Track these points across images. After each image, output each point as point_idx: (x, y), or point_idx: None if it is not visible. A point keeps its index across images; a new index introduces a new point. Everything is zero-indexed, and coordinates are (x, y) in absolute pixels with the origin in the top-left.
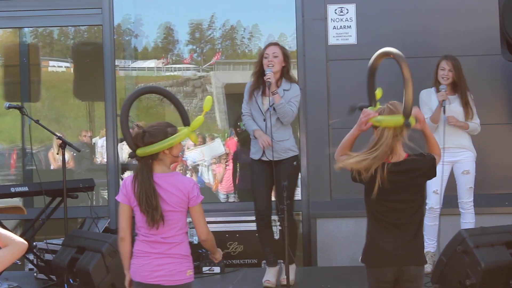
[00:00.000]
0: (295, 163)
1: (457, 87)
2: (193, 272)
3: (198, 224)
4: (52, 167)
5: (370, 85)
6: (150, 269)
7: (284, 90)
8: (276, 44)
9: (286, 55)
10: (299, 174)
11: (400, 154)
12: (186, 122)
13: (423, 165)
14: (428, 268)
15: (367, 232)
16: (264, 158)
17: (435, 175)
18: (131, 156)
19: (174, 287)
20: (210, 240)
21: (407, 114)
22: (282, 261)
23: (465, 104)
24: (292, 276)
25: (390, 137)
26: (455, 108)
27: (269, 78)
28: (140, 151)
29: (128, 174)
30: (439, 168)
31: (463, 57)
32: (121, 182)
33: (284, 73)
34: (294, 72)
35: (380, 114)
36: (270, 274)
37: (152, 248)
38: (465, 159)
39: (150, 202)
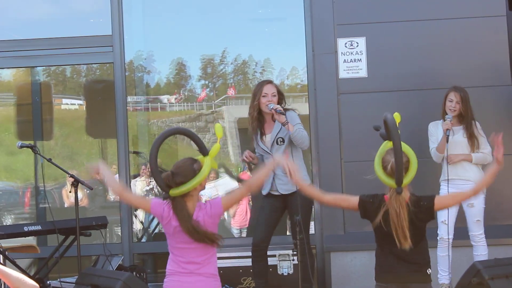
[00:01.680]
0: None
1: (464, 118)
2: None
3: (236, 194)
4: (66, 205)
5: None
6: (180, 285)
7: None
8: (271, 82)
9: (281, 93)
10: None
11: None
12: (204, 151)
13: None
14: None
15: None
16: (273, 193)
17: (432, 218)
18: (165, 198)
19: None
20: (255, 183)
21: (398, 183)
22: None
23: (470, 136)
24: None
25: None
26: (458, 139)
27: (279, 110)
28: (173, 192)
29: (141, 211)
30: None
31: (474, 88)
32: (134, 219)
33: None
34: (305, 106)
35: (384, 166)
36: None
37: (182, 268)
38: None
39: (200, 233)
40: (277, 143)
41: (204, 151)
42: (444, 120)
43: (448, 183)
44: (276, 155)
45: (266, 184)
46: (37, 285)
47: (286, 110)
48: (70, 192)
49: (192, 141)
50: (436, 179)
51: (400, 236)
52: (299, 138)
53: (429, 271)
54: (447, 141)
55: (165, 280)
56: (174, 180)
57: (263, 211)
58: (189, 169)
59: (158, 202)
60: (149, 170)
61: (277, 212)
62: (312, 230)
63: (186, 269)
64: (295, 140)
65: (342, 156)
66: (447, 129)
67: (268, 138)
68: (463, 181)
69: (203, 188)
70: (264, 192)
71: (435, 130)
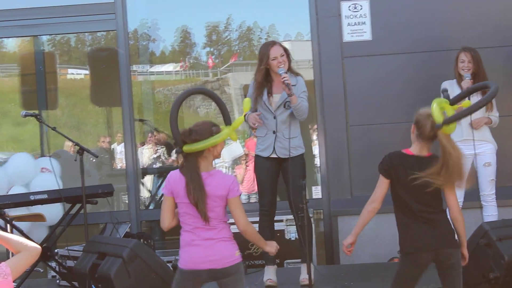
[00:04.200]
0: (303, 158)
1: (477, 79)
2: (240, 253)
3: (236, 215)
4: None
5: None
6: (202, 255)
7: (292, 85)
8: (276, 43)
9: (287, 52)
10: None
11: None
12: (228, 121)
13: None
14: None
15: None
16: (273, 156)
17: None
18: (177, 152)
19: (226, 269)
20: (249, 232)
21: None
22: (300, 260)
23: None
24: (305, 275)
25: None
26: (476, 100)
27: (287, 80)
28: (186, 148)
29: (148, 178)
30: None
31: (480, 49)
32: (141, 186)
33: (289, 69)
34: (310, 71)
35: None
36: (270, 273)
37: (199, 236)
38: (486, 151)
39: (200, 198)
40: (284, 107)
41: (227, 120)
42: (462, 80)
43: (474, 144)
44: (280, 117)
45: (266, 146)
46: (39, 247)
47: (296, 74)
48: (75, 160)
49: (219, 108)
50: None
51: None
52: (299, 111)
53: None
54: (469, 99)
55: (180, 251)
56: (190, 137)
57: (265, 174)
58: (207, 129)
59: (165, 188)
60: (170, 125)
61: (275, 173)
62: (319, 195)
63: (202, 237)
64: (295, 111)
65: (347, 120)
66: (468, 87)
67: (277, 98)
68: (479, 141)
69: (218, 155)
70: (265, 155)
71: (451, 90)
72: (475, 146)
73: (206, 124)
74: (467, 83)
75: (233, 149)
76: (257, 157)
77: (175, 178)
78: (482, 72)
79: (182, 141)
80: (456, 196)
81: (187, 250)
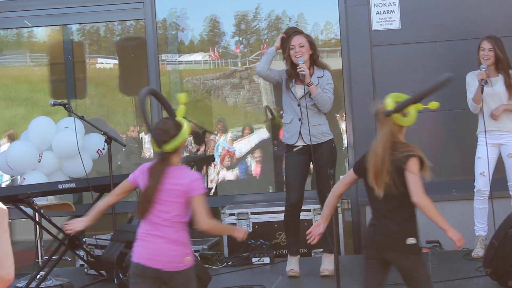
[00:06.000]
0: (333, 144)
1: (499, 67)
2: (192, 259)
3: (197, 214)
4: None
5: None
6: (150, 252)
7: (318, 77)
8: (300, 32)
9: (311, 43)
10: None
11: None
12: (173, 113)
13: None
14: (479, 252)
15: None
16: (300, 143)
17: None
18: (162, 155)
19: (171, 273)
20: (213, 229)
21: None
22: (322, 249)
23: (508, 85)
24: (332, 266)
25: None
26: (498, 89)
27: (302, 70)
28: (168, 146)
29: None
30: (483, 149)
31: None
32: None
33: (314, 61)
34: (338, 60)
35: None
36: (293, 263)
37: (151, 230)
38: (509, 142)
39: (149, 196)
40: (310, 96)
41: (172, 113)
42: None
43: (485, 135)
44: (304, 105)
45: (292, 134)
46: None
47: (324, 67)
48: (103, 149)
49: (162, 105)
50: (472, 131)
51: (375, 169)
52: (319, 101)
53: (410, 240)
54: (482, 92)
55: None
56: (169, 134)
57: (293, 168)
58: (176, 124)
59: (133, 175)
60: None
61: (305, 167)
62: None
63: (153, 233)
64: (316, 102)
65: None
66: (481, 80)
67: (301, 89)
68: (501, 132)
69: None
70: (291, 142)
71: (473, 81)
72: (498, 136)
73: (169, 120)
74: (480, 74)
75: (260, 134)
76: (286, 146)
77: (143, 169)
78: (505, 60)
79: (163, 141)
80: (415, 180)
81: (138, 244)
